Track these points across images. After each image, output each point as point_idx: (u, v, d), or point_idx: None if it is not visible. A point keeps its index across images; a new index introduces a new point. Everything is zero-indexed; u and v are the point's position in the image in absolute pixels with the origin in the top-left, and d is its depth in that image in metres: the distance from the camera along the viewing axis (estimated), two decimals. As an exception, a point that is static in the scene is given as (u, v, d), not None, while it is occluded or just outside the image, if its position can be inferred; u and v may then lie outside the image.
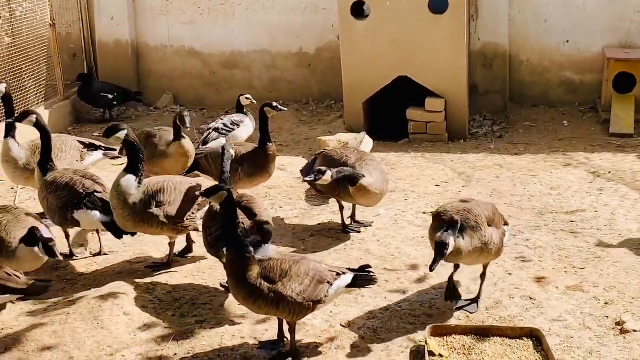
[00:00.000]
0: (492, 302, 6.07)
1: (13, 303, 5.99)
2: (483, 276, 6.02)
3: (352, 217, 7.74)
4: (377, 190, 7.15)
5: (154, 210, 6.39)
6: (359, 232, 7.52)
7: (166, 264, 6.83)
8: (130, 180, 6.36)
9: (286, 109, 8.20)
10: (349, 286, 5.38)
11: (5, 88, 7.95)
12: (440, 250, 5.42)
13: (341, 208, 7.61)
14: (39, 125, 7.25)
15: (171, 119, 8.21)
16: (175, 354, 5.48)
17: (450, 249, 5.43)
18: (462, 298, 6.02)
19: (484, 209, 5.79)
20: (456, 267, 5.99)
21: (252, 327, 5.80)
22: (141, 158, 6.43)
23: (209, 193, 5.28)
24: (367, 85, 10.81)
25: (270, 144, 7.84)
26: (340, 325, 5.80)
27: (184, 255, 7.00)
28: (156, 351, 5.52)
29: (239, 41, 12.60)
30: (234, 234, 5.22)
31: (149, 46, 12.89)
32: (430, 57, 10.51)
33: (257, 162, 7.79)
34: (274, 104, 8.10)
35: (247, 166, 7.80)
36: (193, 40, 12.74)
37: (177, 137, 8.14)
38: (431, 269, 5.40)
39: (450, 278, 5.99)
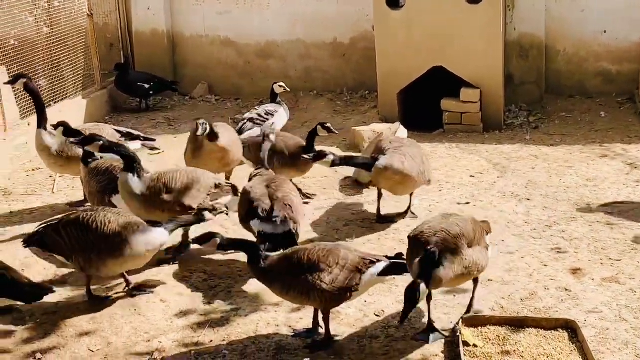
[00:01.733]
0: (527, 293, 6.05)
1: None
2: (474, 290, 5.75)
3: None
4: (400, 170, 7.04)
5: (165, 196, 6.54)
6: (393, 221, 7.53)
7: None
8: (128, 177, 6.50)
9: (337, 132, 8.23)
10: (384, 274, 5.36)
11: (25, 83, 8.18)
12: (410, 300, 4.90)
13: (379, 196, 7.57)
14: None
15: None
16: (211, 341, 5.54)
17: (422, 297, 4.95)
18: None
19: (463, 228, 5.31)
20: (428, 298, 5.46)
21: (286, 315, 5.85)
22: (132, 157, 6.54)
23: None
24: (402, 75, 10.78)
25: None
26: (374, 314, 5.83)
27: (179, 253, 6.82)
28: (192, 337, 5.59)
29: (274, 31, 12.63)
30: (250, 246, 5.41)
31: (184, 36, 12.97)
32: (465, 48, 10.45)
33: (294, 162, 7.81)
34: (328, 124, 7.86)
35: (282, 159, 7.84)
36: (228, 30, 12.79)
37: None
38: (401, 322, 5.03)
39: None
